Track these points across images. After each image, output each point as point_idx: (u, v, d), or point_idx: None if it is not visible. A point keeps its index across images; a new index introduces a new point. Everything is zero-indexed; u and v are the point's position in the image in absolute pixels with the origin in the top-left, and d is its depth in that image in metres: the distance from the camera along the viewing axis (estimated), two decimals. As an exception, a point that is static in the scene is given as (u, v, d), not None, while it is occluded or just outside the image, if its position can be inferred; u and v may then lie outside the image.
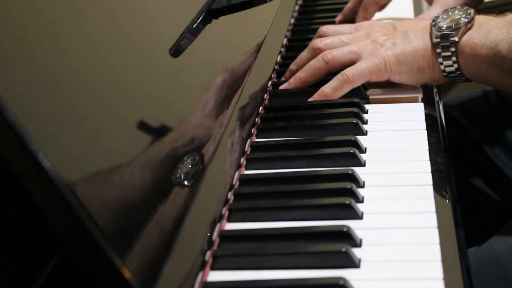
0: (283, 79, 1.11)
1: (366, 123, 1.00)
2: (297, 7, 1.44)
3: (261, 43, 1.12)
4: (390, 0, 1.30)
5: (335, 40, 1.08)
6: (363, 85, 1.07)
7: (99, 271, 0.62)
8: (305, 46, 1.26)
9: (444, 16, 1.02)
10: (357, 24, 1.12)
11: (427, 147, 0.92)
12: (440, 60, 1.01)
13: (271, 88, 1.10)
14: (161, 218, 0.71)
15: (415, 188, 0.83)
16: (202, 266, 0.73)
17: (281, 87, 1.08)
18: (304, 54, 1.09)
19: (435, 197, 0.81)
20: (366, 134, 0.97)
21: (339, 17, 1.34)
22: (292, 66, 1.10)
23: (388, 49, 1.03)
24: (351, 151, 0.89)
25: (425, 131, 0.96)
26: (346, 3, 1.35)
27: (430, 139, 0.94)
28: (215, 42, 1.04)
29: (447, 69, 1.01)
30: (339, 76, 1.03)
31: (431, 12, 1.20)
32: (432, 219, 0.77)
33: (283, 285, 0.71)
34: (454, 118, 1.31)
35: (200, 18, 0.98)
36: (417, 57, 1.02)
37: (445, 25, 1.01)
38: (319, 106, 1.03)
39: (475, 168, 1.29)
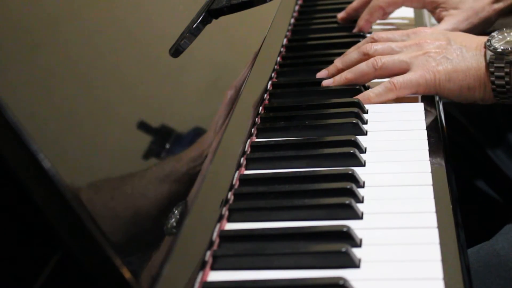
0: (325, 72, 1.11)
1: (366, 123, 1.00)
2: (297, 7, 1.44)
3: (261, 43, 1.12)
4: (396, 8, 1.30)
5: (385, 47, 1.07)
6: (363, 85, 1.07)
7: (99, 271, 0.62)
8: (305, 46, 1.27)
9: (500, 36, 1.01)
10: (409, 31, 1.10)
11: (427, 147, 0.92)
12: (493, 79, 1.00)
13: (271, 88, 1.10)
14: (162, 217, 0.71)
15: (415, 188, 0.83)
16: (202, 266, 0.73)
17: (324, 82, 1.08)
18: (352, 55, 1.09)
19: (435, 197, 0.81)
20: (366, 134, 0.97)
21: (342, 14, 1.33)
22: (338, 63, 1.10)
23: (439, 63, 1.02)
24: (351, 151, 0.89)
25: (425, 131, 0.96)
26: (346, 3, 1.35)
27: (430, 139, 0.94)
28: (215, 42, 1.04)
29: (498, 89, 1.00)
30: (386, 83, 1.03)
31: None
32: (432, 219, 0.77)
33: (283, 285, 0.71)
34: (454, 117, 1.31)
35: (200, 18, 0.98)
36: (468, 77, 1.01)
37: (500, 46, 1.00)
38: (319, 106, 1.03)
39: (475, 167, 1.29)
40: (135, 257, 0.64)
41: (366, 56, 1.07)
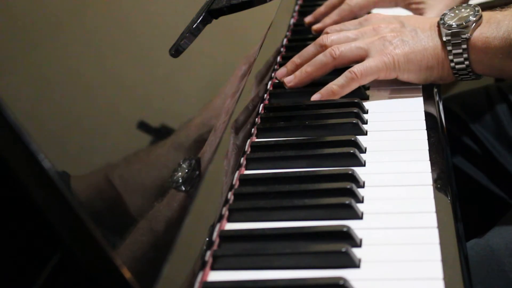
0: (283, 69, 1.10)
1: (366, 123, 1.00)
2: (297, 7, 1.44)
3: (261, 43, 1.12)
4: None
5: (340, 36, 1.07)
6: (363, 85, 1.07)
7: (99, 271, 0.62)
8: (305, 46, 1.26)
9: (452, 14, 1.03)
10: (361, 19, 1.11)
11: (427, 147, 0.92)
12: (451, 57, 1.01)
13: (271, 88, 1.10)
14: (161, 218, 0.71)
15: (415, 188, 0.83)
16: (202, 266, 0.73)
17: (286, 79, 1.08)
18: (310, 49, 1.09)
19: (435, 197, 0.81)
20: (366, 134, 0.97)
21: (309, 18, 1.32)
22: (296, 59, 1.09)
23: (396, 46, 1.03)
24: (351, 151, 0.89)
25: (425, 131, 0.96)
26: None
27: (430, 139, 0.94)
28: (215, 42, 1.04)
29: (458, 66, 1.02)
30: (346, 73, 1.03)
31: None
32: (432, 219, 0.77)
33: (283, 285, 0.71)
34: (454, 113, 1.31)
35: (200, 18, 0.98)
36: (426, 56, 1.03)
37: (454, 23, 1.01)
38: (319, 106, 1.03)
39: (475, 162, 1.29)
40: (135, 257, 0.64)
41: (323, 48, 1.07)
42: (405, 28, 1.05)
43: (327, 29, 1.12)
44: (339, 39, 1.07)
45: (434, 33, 1.03)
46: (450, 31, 1.01)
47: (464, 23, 1.01)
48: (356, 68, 1.02)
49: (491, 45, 1.00)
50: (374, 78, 1.03)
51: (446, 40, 1.01)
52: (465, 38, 1.00)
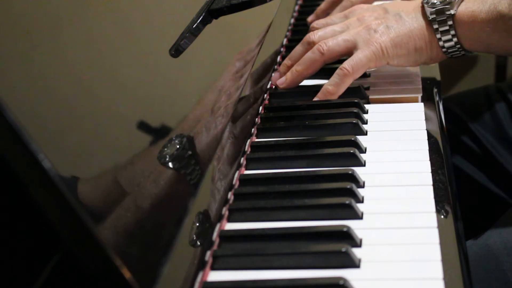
0: (276, 73, 1.10)
1: (366, 123, 1.00)
2: (297, 7, 1.44)
3: (261, 43, 1.12)
4: None
5: (327, 31, 1.07)
6: (363, 85, 1.07)
7: (99, 271, 0.62)
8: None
9: None
10: (346, 11, 1.12)
11: (427, 147, 0.92)
12: (438, 36, 1.01)
13: (271, 88, 1.10)
14: (161, 217, 0.71)
15: (415, 188, 0.83)
16: (202, 266, 0.73)
17: (278, 81, 1.08)
18: (298, 48, 1.09)
19: (435, 197, 0.81)
20: (366, 134, 0.97)
21: (311, 17, 1.32)
22: (287, 61, 1.09)
23: (382, 34, 1.03)
24: (351, 151, 0.89)
25: (425, 131, 0.96)
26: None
27: (430, 139, 0.94)
28: (215, 42, 1.04)
29: (446, 44, 1.02)
30: (338, 71, 1.03)
31: None
32: (432, 219, 0.77)
33: (283, 285, 0.71)
34: (454, 113, 1.32)
35: (200, 18, 0.98)
36: (413, 38, 1.03)
37: (437, 1, 1.01)
38: (319, 106, 1.03)
39: (475, 162, 1.29)
40: (135, 257, 0.64)
41: (311, 45, 1.07)
42: (389, 14, 1.05)
43: (314, 24, 1.12)
44: (325, 34, 1.07)
45: (419, 14, 1.03)
46: (434, 9, 1.01)
47: (447, 0, 1.00)
48: (347, 63, 1.02)
49: (478, 19, 0.99)
50: (366, 69, 1.03)
51: (432, 18, 1.01)
52: (450, 14, 1.00)
